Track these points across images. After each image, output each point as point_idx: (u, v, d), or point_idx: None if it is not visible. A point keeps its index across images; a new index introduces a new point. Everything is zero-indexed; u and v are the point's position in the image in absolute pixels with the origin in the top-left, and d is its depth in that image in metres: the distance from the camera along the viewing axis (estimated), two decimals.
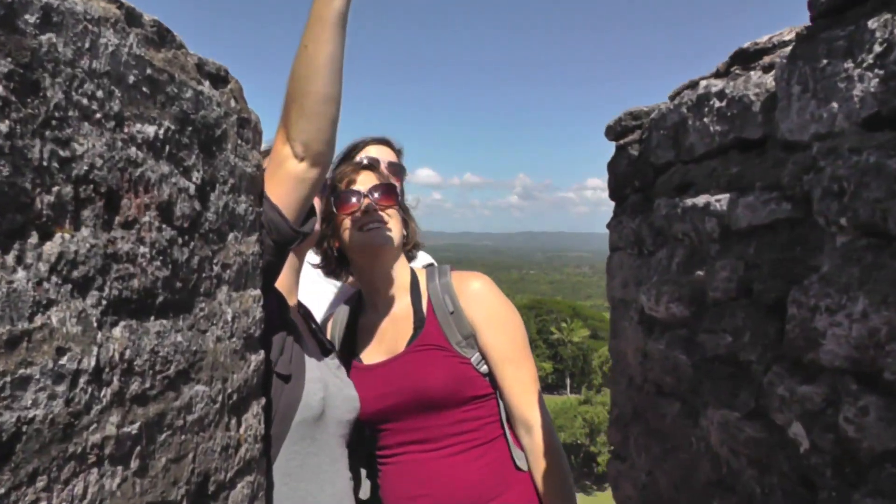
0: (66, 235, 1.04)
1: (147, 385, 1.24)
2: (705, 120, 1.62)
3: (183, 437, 1.40)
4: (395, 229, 2.54)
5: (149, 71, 1.28)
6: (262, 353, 1.93)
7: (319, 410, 2.15)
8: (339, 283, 3.29)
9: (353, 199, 2.51)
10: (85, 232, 1.08)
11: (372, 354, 2.60)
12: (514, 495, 2.38)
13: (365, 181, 2.57)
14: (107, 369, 1.11)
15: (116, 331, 1.15)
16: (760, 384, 1.36)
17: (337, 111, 1.94)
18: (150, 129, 1.28)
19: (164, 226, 1.33)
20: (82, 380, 1.04)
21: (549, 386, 78.73)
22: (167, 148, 1.34)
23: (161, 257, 1.31)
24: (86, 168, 1.07)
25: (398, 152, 3.37)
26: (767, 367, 1.33)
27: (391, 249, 2.53)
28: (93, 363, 1.06)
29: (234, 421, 1.70)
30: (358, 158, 3.04)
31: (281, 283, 2.29)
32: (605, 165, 2.93)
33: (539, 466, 2.35)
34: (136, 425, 1.20)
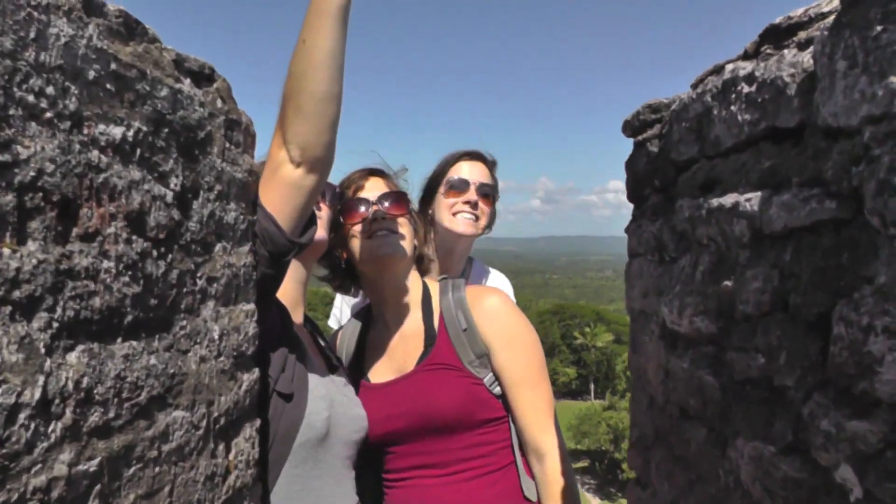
0: (6, 251, 0.91)
1: (111, 415, 1.11)
2: (732, 108, 1.45)
3: (157, 469, 1.27)
4: (405, 239, 2.42)
5: (114, 66, 1.15)
6: (255, 371, 1.80)
7: (324, 431, 2.02)
8: None
9: (362, 208, 2.40)
10: (32, 246, 0.95)
11: (380, 373, 2.47)
12: None
13: (373, 188, 2.46)
14: (57, 401, 0.98)
15: (72, 356, 1.02)
16: (799, 414, 1.18)
17: (337, 112, 1.81)
18: (117, 131, 1.16)
19: (134, 237, 1.20)
20: (22, 415, 0.91)
21: (572, 391, 78.67)
22: (138, 151, 1.22)
23: (130, 272, 1.18)
24: (32, 174, 0.95)
25: (492, 166, 3.26)
26: (808, 394, 1.16)
27: (401, 260, 2.41)
28: (37, 395, 0.93)
29: (221, 447, 1.57)
30: (453, 177, 3.04)
31: (285, 296, 2.17)
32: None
33: (549, 497, 2.22)
34: (96, 461, 1.07)
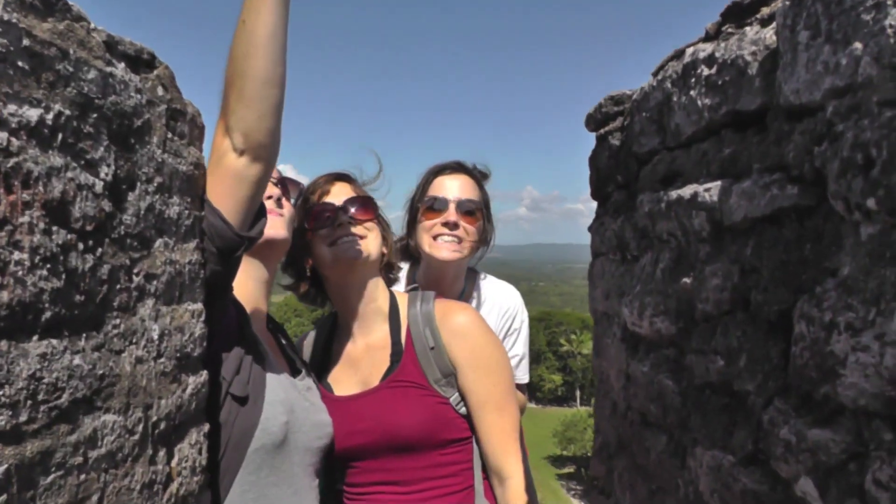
0: None
1: (22, 419, 1.02)
2: (692, 93, 1.37)
3: (83, 476, 1.18)
4: (372, 244, 2.35)
5: (26, 42, 1.07)
6: (203, 374, 1.71)
7: (281, 436, 1.93)
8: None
9: (326, 213, 2.33)
10: None
11: (344, 385, 2.39)
12: None
13: (339, 193, 2.40)
14: None
15: None
16: (760, 422, 1.10)
17: (281, 96, 1.73)
18: (33, 113, 1.07)
19: (54, 228, 1.12)
20: None
21: (558, 398, 78.92)
22: (59, 136, 1.13)
23: (48, 265, 1.09)
24: None
25: (479, 178, 3.01)
26: (769, 400, 1.07)
27: (367, 265, 2.34)
28: None
29: (162, 453, 1.48)
30: (430, 196, 2.87)
31: (245, 296, 2.08)
32: None
33: None
34: (1, 469, 0.98)
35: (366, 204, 2.37)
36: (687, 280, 1.35)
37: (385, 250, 2.46)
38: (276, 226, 2.13)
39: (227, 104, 1.71)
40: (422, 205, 2.90)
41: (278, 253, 2.24)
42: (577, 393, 79.25)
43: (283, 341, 2.35)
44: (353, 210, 2.32)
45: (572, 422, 59.34)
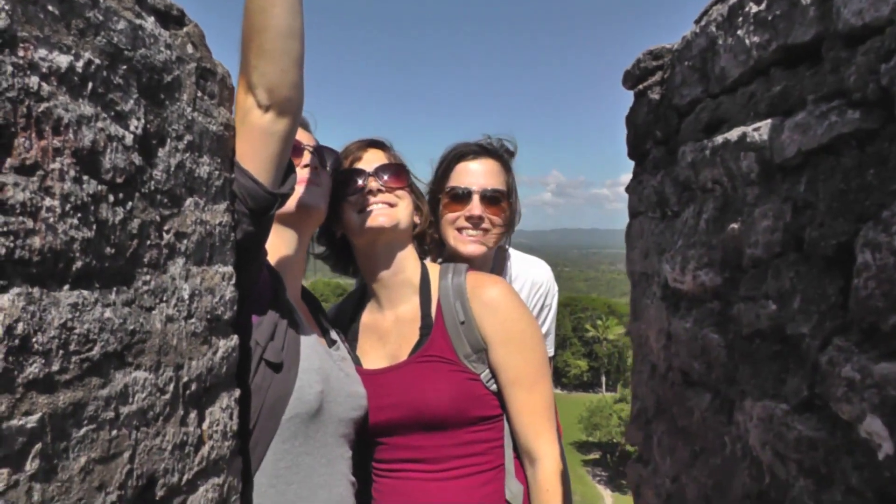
0: None
1: (55, 368, 1.01)
2: (739, 33, 1.31)
3: (115, 432, 1.16)
4: (402, 212, 2.30)
5: None
6: (234, 338, 1.70)
7: (316, 405, 1.91)
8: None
9: (358, 180, 2.29)
10: None
11: (372, 358, 2.36)
12: None
13: (371, 160, 2.36)
14: None
15: (4, 298, 0.92)
16: (816, 365, 1.04)
17: (301, 49, 1.70)
18: (63, 59, 1.05)
19: (85, 177, 1.10)
20: None
21: (584, 384, 78.92)
22: (90, 85, 1.11)
23: (79, 214, 1.08)
24: None
25: (507, 159, 2.85)
26: (826, 340, 1.02)
27: (396, 233, 2.29)
28: None
29: (193, 415, 1.47)
30: (452, 185, 2.74)
31: (280, 264, 2.06)
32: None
33: (540, 501, 2.11)
34: (35, 417, 0.96)
35: (398, 171, 2.33)
36: (734, 226, 1.30)
37: (417, 220, 2.41)
38: (314, 195, 2.11)
39: (247, 60, 1.68)
40: (443, 195, 2.75)
41: (313, 223, 2.22)
42: (603, 379, 79.15)
43: (318, 313, 2.34)
44: (384, 177, 2.28)
45: (598, 408, 59.37)
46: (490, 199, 2.69)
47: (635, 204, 1.95)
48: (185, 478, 1.42)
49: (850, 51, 0.99)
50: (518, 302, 2.26)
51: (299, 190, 2.04)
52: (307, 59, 1.74)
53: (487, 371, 2.19)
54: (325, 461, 1.96)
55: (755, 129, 1.28)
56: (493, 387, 2.19)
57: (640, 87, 1.88)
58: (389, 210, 2.26)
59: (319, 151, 2.21)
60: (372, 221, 2.23)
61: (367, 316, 2.45)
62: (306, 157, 2.12)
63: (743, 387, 1.29)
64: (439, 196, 2.75)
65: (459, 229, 2.71)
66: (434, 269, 2.39)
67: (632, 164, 2.26)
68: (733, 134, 1.34)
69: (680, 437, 1.63)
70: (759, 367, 1.24)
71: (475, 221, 2.69)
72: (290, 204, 2.00)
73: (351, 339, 2.43)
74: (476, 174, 2.72)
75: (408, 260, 2.35)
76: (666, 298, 1.74)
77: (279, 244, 2.07)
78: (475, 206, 2.67)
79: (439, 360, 2.18)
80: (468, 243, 2.69)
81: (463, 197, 2.69)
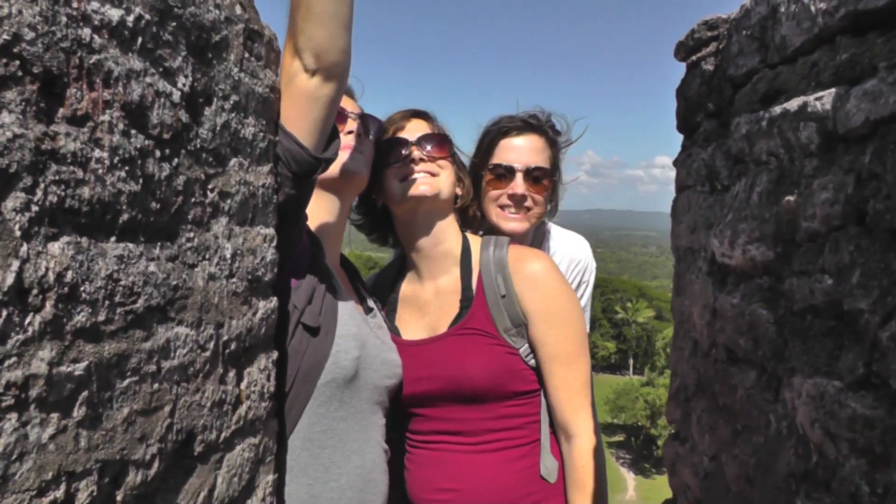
0: None
1: (101, 318, 1.02)
2: (804, 0, 1.27)
3: (156, 385, 1.18)
4: (443, 182, 2.28)
5: None
6: (273, 300, 1.71)
7: (352, 371, 1.92)
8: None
9: (401, 149, 2.27)
10: (7, 118, 0.85)
11: (410, 329, 2.36)
12: None
13: (414, 129, 2.34)
14: (35, 291, 0.88)
15: (54, 246, 0.93)
16: (875, 341, 1.01)
17: (349, 13, 1.69)
18: (114, 13, 1.05)
19: (133, 131, 1.10)
20: None
21: (611, 366, 78.89)
22: (139, 40, 1.12)
23: (126, 168, 1.08)
24: (6, 37, 0.85)
25: (554, 136, 2.79)
26: (888, 315, 0.99)
27: (437, 202, 2.27)
28: (10, 281, 0.84)
29: (232, 374, 1.48)
30: (495, 163, 2.71)
31: (321, 228, 2.07)
32: (673, 144, 2.48)
33: (575, 479, 2.11)
34: (82, 365, 0.98)
35: (441, 141, 2.31)
36: (790, 199, 1.26)
37: (459, 191, 2.39)
38: (357, 161, 2.11)
39: (294, 24, 1.67)
40: (486, 172, 2.71)
41: (355, 188, 2.21)
42: (631, 362, 79.01)
43: (356, 281, 2.34)
44: (427, 147, 2.27)
45: (624, 390, 59.37)
46: (533, 177, 2.66)
47: (683, 177, 1.91)
48: (222, 435, 1.44)
49: None
50: (560, 277, 2.24)
51: (342, 156, 2.03)
52: (356, 24, 1.72)
53: (526, 346, 2.18)
54: (358, 427, 1.98)
55: (817, 99, 1.24)
56: (532, 362, 2.18)
57: (694, 58, 1.83)
58: (431, 179, 2.24)
59: (364, 119, 2.20)
60: (413, 190, 2.22)
61: (407, 287, 2.45)
62: (350, 124, 2.11)
63: (792, 364, 1.26)
64: (482, 172, 2.71)
65: (502, 207, 2.68)
66: (475, 241, 2.37)
67: (667, 145, 2.22)
68: (793, 104, 1.30)
69: (721, 415, 1.61)
70: (810, 343, 1.21)
71: (518, 200, 2.66)
72: (333, 169, 2.00)
73: (390, 310, 2.43)
74: (520, 151, 2.69)
75: (448, 231, 2.33)
76: (712, 274, 1.71)
77: (320, 209, 2.07)
78: (518, 185, 2.64)
79: (479, 333, 2.17)
80: (510, 221, 2.67)
81: (506, 175, 2.66)
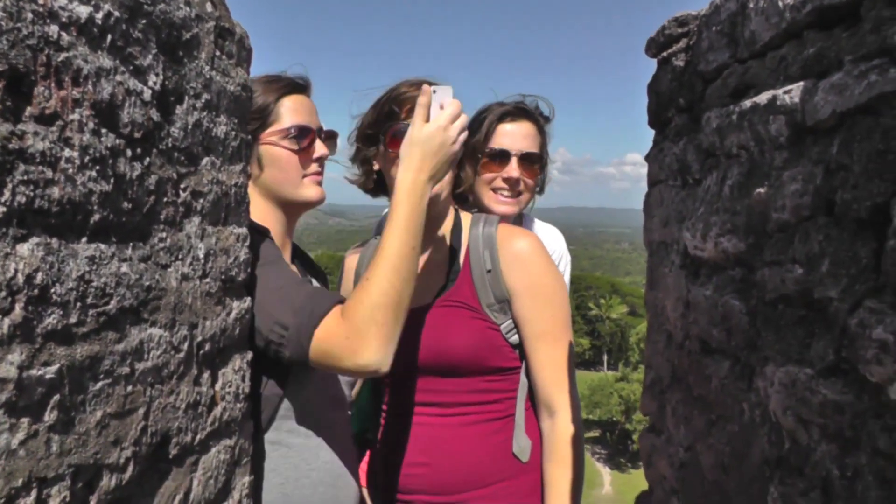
0: None
1: (72, 320, 1.00)
2: None
3: (130, 388, 1.16)
4: (444, 184, 2.18)
5: None
6: (248, 300, 1.70)
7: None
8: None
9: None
10: None
11: None
12: (522, 484, 2.14)
13: None
14: (3, 293, 0.87)
15: (24, 248, 0.91)
16: (844, 328, 1.03)
17: None
18: (83, 10, 1.03)
19: (103, 130, 1.09)
20: None
21: (586, 362, 79.22)
22: (109, 37, 1.10)
23: (97, 167, 1.07)
24: None
25: (542, 122, 2.87)
26: (857, 303, 1.01)
27: (434, 205, 2.15)
28: None
29: (206, 375, 1.47)
30: (492, 147, 2.74)
31: (274, 230, 2.03)
32: (644, 140, 2.52)
33: (554, 455, 2.10)
34: (54, 368, 0.96)
35: None
36: (760, 191, 1.27)
37: (456, 170, 2.32)
38: (321, 190, 2.07)
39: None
40: (482, 155, 2.77)
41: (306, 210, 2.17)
42: (605, 357, 79.42)
43: (307, 273, 2.27)
44: None
45: (599, 386, 59.65)
46: (526, 161, 2.74)
47: (655, 172, 1.91)
48: (197, 437, 1.42)
49: (893, 9, 0.97)
50: (547, 256, 2.22)
51: (313, 189, 2.02)
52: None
53: (508, 322, 2.16)
54: (325, 423, 1.97)
55: (786, 92, 1.25)
56: (513, 339, 2.17)
57: (664, 54, 1.85)
58: None
59: (332, 138, 2.15)
60: None
61: None
62: (319, 148, 2.06)
63: (765, 353, 1.28)
64: (477, 155, 2.75)
65: (495, 189, 2.75)
66: (466, 217, 2.34)
67: (639, 142, 2.26)
68: (762, 97, 1.32)
69: (696, 406, 1.62)
70: (782, 332, 1.23)
71: (512, 183, 2.74)
72: (302, 199, 2.00)
73: None
74: (514, 136, 2.76)
75: (442, 214, 2.28)
76: (685, 266, 1.72)
77: (272, 220, 2.02)
78: (512, 169, 2.72)
79: (463, 306, 2.16)
80: (502, 204, 2.74)
81: (501, 158, 2.73)
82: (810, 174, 1.16)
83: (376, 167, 2.26)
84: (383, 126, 2.15)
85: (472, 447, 2.12)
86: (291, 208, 2.04)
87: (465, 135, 1.91)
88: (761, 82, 1.39)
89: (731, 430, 1.39)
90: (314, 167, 2.02)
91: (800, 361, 1.16)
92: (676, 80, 1.79)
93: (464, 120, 1.90)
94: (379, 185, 2.34)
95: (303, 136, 1.97)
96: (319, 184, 2.06)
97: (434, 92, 1.86)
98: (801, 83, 1.21)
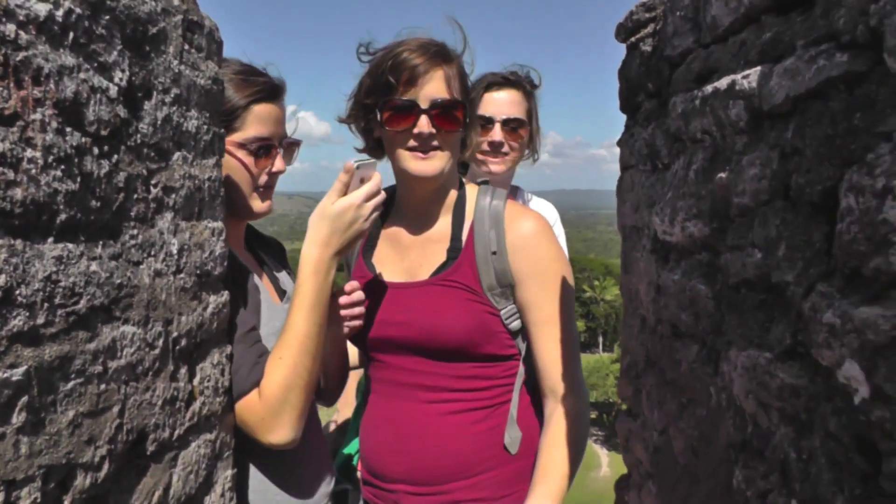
0: None
1: (39, 321, 1.00)
2: None
3: (103, 386, 1.16)
4: (446, 159, 2.05)
5: None
6: (225, 294, 1.69)
7: None
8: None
9: (408, 116, 1.98)
10: None
11: (387, 269, 2.18)
12: (508, 473, 2.03)
13: (430, 88, 2.00)
14: None
15: None
16: (800, 312, 1.03)
17: None
18: (41, 7, 1.03)
19: (68, 129, 1.08)
20: None
21: (581, 345, 78.95)
22: (71, 35, 1.09)
23: (62, 167, 1.06)
24: None
25: (531, 90, 3.04)
26: (810, 287, 1.01)
27: (436, 182, 2.08)
28: None
29: (183, 370, 1.47)
30: (480, 114, 2.88)
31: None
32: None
33: (557, 436, 1.96)
34: (21, 370, 0.96)
35: (452, 110, 2.02)
36: (722, 175, 1.28)
37: (467, 147, 2.18)
38: (269, 204, 2.03)
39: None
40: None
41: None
42: (600, 339, 79.55)
43: (265, 267, 2.21)
44: (439, 117, 1.99)
45: (595, 368, 59.69)
46: (510, 126, 2.93)
47: (626, 157, 1.91)
48: (176, 433, 1.43)
49: None
50: (555, 239, 2.08)
51: (257, 205, 1.99)
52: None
53: (510, 307, 2.04)
54: None
55: (744, 77, 1.26)
56: (513, 325, 2.05)
57: (633, 39, 1.84)
58: (435, 159, 2.01)
59: (290, 147, 2.08)
60: (414, 170, 2.03)
61: (391, 224, 2.25)
62: (278, 163, 2.01)
63: (729, 337, 1.28)
64: None
65: (483, 152, 2.93)
66: (472, 189, 2.20)
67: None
68: (722, 82, 1.32)
69: (668, 390, 1.62)
70: (744, 316, 1.23)
71: (496, 146, 2.92)
72: (254, 211, 1.99)
73: (368, 245, 2.25)
74: (499, 104, 2.95)
75: (446, 185, 2.14)
76: (656, 251, 1.72)
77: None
78: (496, 133, 2.90)
79: (462, 287, 2.02)
80: (490, 164, 2.95)
81: (487, 125, 2.91)
82: (767, 158, 1.16)
83: (377, 135, 2.13)
84: (380, 99, 2.01)
85: (455, 435, 2.02)
86: (238, 216, 1.99)
87: (377, 213, 1.89)
88: (724, 66, 1.39)
89: (700, 413, 1.40)
90: (267, 181, 1.98)
91: (760, 345, 1.16)
92: (645, 65, 1.78)
93: (379, 198, 1.87)
94: (378, 146, 2.18)
95: (262, 151, 1.91)
96: (269, 197, 2.02)
97: (357, 168, 1.83)
98: (759, 68, 1.22)
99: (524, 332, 2.06)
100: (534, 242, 2.02)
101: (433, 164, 2.00)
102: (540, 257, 2.01)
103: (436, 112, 1.97)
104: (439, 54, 2.00)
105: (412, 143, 2.00)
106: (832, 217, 0.96)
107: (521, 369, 2.08)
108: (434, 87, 1.99)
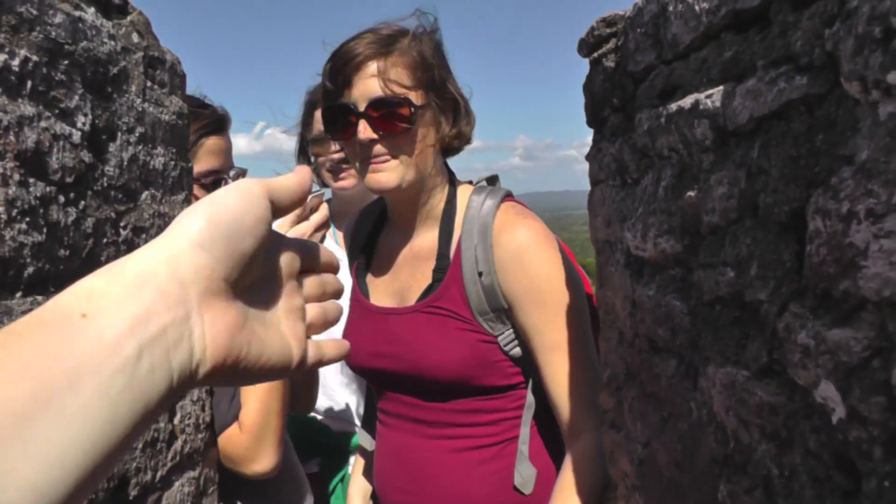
0: None
1: None
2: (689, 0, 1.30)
3: None
4: (406, 166, 1.86)
5: None
6: None
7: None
8: None
9: (344, 121, 1.82)
10: None
11: (379, 292, 1.97)
12: None
13: (363, 87, 1.82)
14: None
15: None
16: (775, 331, 1.04)
17: None
18: None
19: (31, 180, 1.07)
20: None
21: None
22: (29, 83, 1.08)
23: (27, 219, 1.05)
24: None
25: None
26: (783, 306, 1.02)
27: (402, 192, 1.86)
28: None
29: None
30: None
31: None
32: None
33: (569, 476, 1.69)
34: None
35: (394, 109, 1.83)
36: (691, 193, 1.29)
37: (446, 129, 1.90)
38: None
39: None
40: None
41: None
42: None
43: None
44: (380, 118, 1.81)
45: None
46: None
47: (596, 172, 1.91)
48: (158, 474, 1.41)
49: (797, 14, 0.98)
50: (552, 250, 1.77)
51: None
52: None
53: (508, 333, 1.79)
54: None
55: (707, 97, 1.27)
56: (514, 351, 1.79)
57: (595, 54, 1.85)
58: (387, 167, 1.79)
59: (238, 178, 2.10)
60: (372, 185, 1.84)
61: (384, 240, 2.05)
62: None
63: (706, 353, 1.29)
64: None
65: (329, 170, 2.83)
66: (465, 191, 1.91)
67: None
68: (686, 101, 1.33)
69: (650, 403, 1.62)
70: (720, 333, 1.24)
71: (340, 162, 2.75)
72: None
73: (361, 265, 2.06)
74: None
75: (431, 184, 1.88)
76: (629, 266, 1.72)
77: None
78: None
79: (449, 314, 1.77)
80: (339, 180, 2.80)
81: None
82: (735, 177, 1.18)
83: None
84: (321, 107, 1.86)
85: (462, 475, 1.81)
86: None
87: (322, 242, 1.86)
88: (687, 83, 1.40)
89: (681, 427, 1.40)
90: None
91: (737, 363, 1.17)
92: (608, 80, 1.79)
93: (325, 230, 1.79)
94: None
95: (214, 184, 1.97)
96: None
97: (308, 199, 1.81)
98: (721, 87, 1.23)
99: (530, 356, 1.79)
100: (525, 259, 1.73)
101: (387, 175, 1.76)
102: (533, 276, 1.73)
103: (377, 113, 1.71)
104: (375, 44, 1.74)
105: (361, 152, 1.78)
106: (801, 236, 0.97)
107: (531, 399, 1.85)
108: (370, 85, 1.73)
